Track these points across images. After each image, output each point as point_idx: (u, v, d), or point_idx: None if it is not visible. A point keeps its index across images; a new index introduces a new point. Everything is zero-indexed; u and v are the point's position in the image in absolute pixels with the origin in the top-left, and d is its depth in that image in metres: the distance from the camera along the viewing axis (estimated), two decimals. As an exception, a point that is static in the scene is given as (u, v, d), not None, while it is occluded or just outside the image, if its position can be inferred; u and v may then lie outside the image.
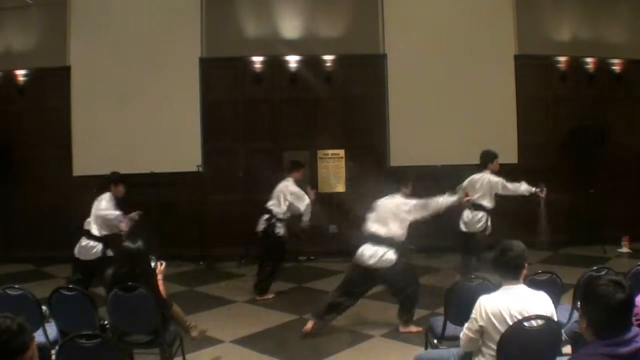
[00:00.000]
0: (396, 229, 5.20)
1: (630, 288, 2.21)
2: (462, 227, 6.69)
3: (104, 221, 5.91)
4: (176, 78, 8.93)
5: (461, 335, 3.13)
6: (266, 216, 6.68)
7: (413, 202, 5.24)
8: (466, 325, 3.08)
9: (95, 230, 5.89)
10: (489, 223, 6.59)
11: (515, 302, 2.94)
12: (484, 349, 3.03)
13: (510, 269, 3.02)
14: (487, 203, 6.60)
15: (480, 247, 6.53)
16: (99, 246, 5.83)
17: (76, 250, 5.90)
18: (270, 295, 6.76)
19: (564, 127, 9.20)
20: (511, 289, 3.01)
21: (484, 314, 2.96)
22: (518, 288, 3.02)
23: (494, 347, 2.93)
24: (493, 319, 2.94)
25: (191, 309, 5.58)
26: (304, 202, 6.58)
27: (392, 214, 5.23)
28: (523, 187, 6.48)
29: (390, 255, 5.17)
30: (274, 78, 9.15)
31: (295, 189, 6.67)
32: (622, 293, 2.16)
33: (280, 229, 6.64)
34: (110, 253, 5.82)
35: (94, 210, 5.96)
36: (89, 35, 8.91)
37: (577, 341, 3.51)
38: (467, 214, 6.65)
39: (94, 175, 8.89)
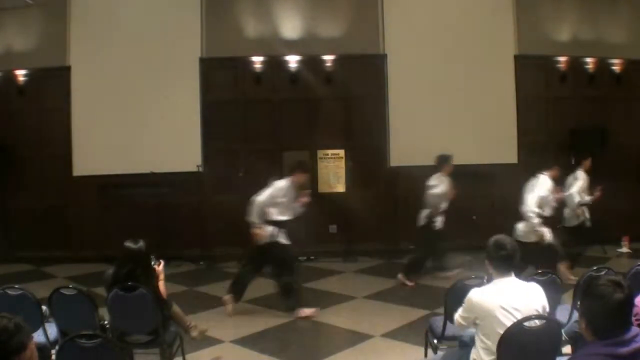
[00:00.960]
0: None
1: (630, 288, 2.20)
2: (565, 222, 7.00)
3: (270, 205, 5.98)
4: (176, 78, 8.93)
5: (455, 316, 3.25)
6: (427, 211, 7.08)
7: None
8: (459, 311, 3.20)
9: (273, 215, 5.97)
10: (586, 216, 6.97)
11: (506, 295, 2.99)
12: (478, 342, 3.08)
13: (504, 265, 3.08)
14: (584, 198, 7.02)
15: (581, 240, 6.96)
16: (269, 229, 5.93)
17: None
18: (411, 283, 7.11)
19: (564, 127, 9.20)
20: (502, 282, 3.07)
21: (472, 307, 3.05)
22: (509, 281, 3.07)
23: (487, 340, 2.99)
24: (482, 313, 3.00)
25: (191, 309, 5.59)
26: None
27: None
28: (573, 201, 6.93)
29: None
30: (274, 78, 9.14)
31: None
32: (621, 293, 2.15)
33: (438, 223, 7.07)
34: (279, 238, 5.95)
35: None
36: (89, 35, 8.92)
37: (577, 341, 3.51)
38: (565, 210, 6.96)
39: (94, 175, 8.96)
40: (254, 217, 5.91)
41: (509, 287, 3.02)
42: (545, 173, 6.26)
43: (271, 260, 6.06)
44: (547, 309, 3.02)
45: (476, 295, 3.06)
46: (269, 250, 5.93)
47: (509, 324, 2.89)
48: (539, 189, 6.00)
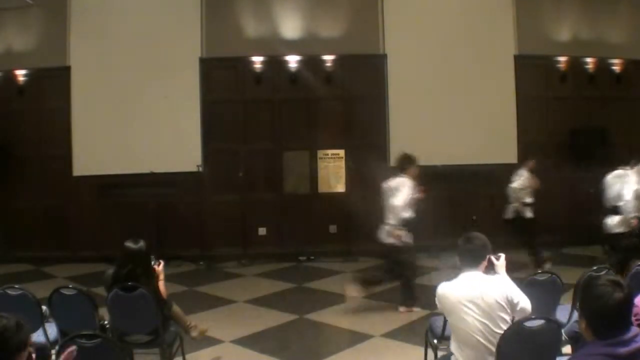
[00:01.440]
0: None
1: (629, 288, 2.20)
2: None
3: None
4: (176, 78, 8.93)
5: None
6: (513, 205, 7.53)
7: None
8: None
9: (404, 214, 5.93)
10: None
11: (468, 289, 3.02)
12: (452, 337, 3.17)
13: (471, 258, 3.13)
14: None
15: None
16: (402, 230, 5.92)
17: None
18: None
19: (564, 127, 9.20)
20: (467, 276, 3.10)
21: (439, 300, 3.14)
22: (474, 275, 3.10)
23: (455, 335, 3.09)
24: (446, 309, 3.10)
25: (191, 309, 5.58)
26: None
27: None
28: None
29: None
30: (274, 78, 9.15)
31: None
32: (621, 293, 2.15)
33: (529, 212, 7.47)
34: (407, 238, 5.92)
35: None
36: (89, 35, 8.92)
37: (577, 341, 3.51)
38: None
39: (94, 175, 8.96)
40: (394, 221, 5.86)
41: (469, 281, 3.07)
42: (628, 169, 6.33)
43: (398, 258, 6.01)
44: (515, 301, 3.03)
45: (441, 289, 3.13)
46: (399, 250, 5.92)
47: (468, 318, 2.96)
48: (633, 185, 6.17)
